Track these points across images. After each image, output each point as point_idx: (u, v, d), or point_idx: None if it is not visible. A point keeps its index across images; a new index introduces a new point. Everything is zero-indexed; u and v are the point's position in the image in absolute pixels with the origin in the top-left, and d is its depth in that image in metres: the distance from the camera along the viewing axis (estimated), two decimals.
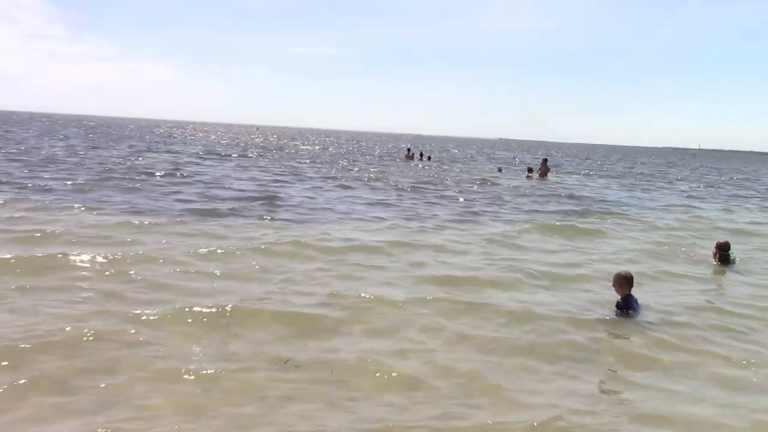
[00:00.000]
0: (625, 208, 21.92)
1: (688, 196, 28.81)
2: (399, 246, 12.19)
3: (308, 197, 19.52)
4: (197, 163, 31.78)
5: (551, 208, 20.31)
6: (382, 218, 15.96)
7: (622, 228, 16.81)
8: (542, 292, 9.51)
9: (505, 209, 19.34)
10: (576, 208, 20.43)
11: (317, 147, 66.90)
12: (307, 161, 39.44)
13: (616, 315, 8.20)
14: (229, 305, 7.68)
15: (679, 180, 43.06)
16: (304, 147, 65.09)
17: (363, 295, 8.57)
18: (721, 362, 6.99)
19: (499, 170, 39.55)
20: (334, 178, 27.33)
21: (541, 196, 24.24)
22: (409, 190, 23.80)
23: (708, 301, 9.51)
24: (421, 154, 48.25)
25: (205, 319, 7.30)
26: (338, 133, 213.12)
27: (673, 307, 8.86)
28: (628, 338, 7.55)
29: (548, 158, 39.88)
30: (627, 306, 8.20)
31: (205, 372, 5.87)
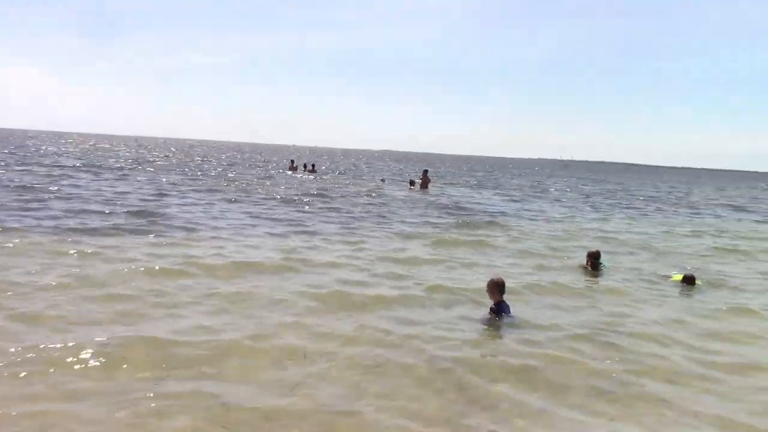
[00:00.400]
0: (507, 218, 22.61)
1: (566, 206, 30.18)
2: (286, 263, 11.88)
3: (192, 212, 18.82)
4: (71, 176, 29.94)
5: (434, 219, 20.65)
6: (268, 233, 15.58)
7: (507, 238, 17.35)
8: (428, 306, 9.56)
9: (388, 221, 19.51)
10: (460, 219, 20.85)
11: (203, 159, 65.07)
12: (194, 174, 38.25)
13: (489, 318, 8.69)
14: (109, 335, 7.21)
15: (555, 190, 45.10)
16: (189, 159, 63.16)
17: (249, 323, 8.19)
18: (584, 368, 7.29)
19: (383, 181, 40.14)
20: (219, 191, 26.65)
21: (425, 207, 24.63)
22: (293, 202, 23.53)
23: (580, 306, 10.13)
24: (305, 165, 48.14)
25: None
26: (227, 145, 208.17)
27: (547, 314, 9.33)
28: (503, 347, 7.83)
29: (429, 169, 40.77)
30: (499, 311, 8.65)
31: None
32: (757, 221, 28.59)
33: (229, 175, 39.34)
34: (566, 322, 8.96)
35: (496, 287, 8.77)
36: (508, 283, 9.20)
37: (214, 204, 21.48)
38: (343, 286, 10.31)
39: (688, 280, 12.09)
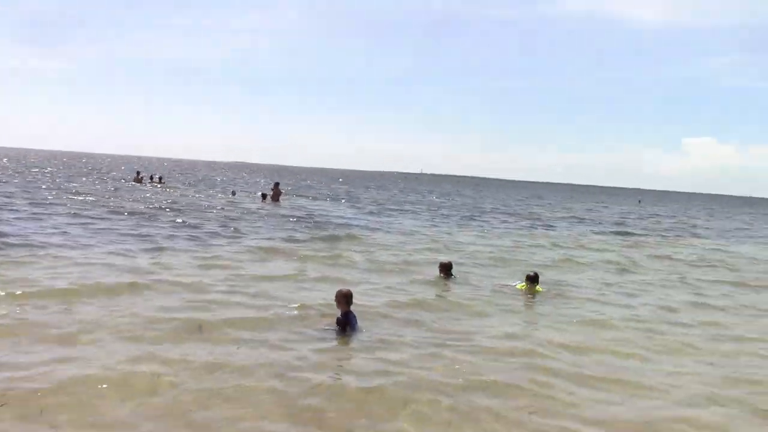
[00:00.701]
0: (362, 231, 22.56)
1: (420, 219, 30.62)
2: (132, 283, 10.90)
3: (30, 227, 17.05)
4: None
5: (287, 233, 20.16)
6: (112, 251, 14.21)
7: (362, 251, 17.05)
8: (281, 325, 9.18)
9: (241, 235, 18.81)
10: (314, 233, 20.50)
11: (40, 170, 60.18)
12: (30, 185, 35.10)
13: (336, 330, 8.75)
14: None
15: (409, 203, 45.85)
16: (25, 169, 58.22)
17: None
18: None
19: (233, 194, 39.07)
20: (60, 204, 24.47)
21: (278, 220, 24.10)
22: (141, 215, 22.16)
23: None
24: (151, 177, 46.10)
25: None
26: (69, 155, 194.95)
27: (399, 329, 9.30)
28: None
29: (280, 182, 40.09)
30: (346, 321, 8.76)
31: None
32: (594, 231, 30.38)
33: (70, 186, 36.67)
34: (417, 337, 8.95)
35: (344, 298, 8.85)
36: (361, 298, 9.02)
37: (54, 218, 19.70)
38: (194, 309, 9.57)
39: (532, 279, 12.56)
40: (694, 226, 41.92)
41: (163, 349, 7.55)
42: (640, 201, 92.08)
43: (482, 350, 8.51)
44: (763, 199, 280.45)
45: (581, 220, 38.72)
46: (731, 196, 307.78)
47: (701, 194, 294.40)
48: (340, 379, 7.09)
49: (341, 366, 7.60)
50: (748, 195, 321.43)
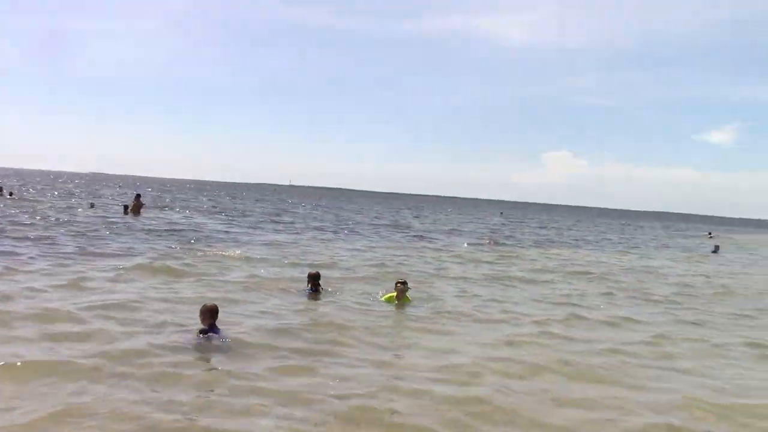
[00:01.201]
0: (231, 243, 21.86)
1: (287, 231, 30.02)
2: None
3: None
4: None
5: (147, 246, 19.07)
6: None
7: (231, 264, 16.52)
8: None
9: (97, 248, 17.61)
10: (173, 246, 19.55)
11: None
12: None
13: (199, 341, 8.57)
14: None
15: (277, 215, 44.99)
16: None
17: None
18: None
19: (92, 206, 36.80)
20: None
21: (138, 233, 22.85)
22: None
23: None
24: (1, 189, 42.79)
25: None
26: None
27: (264, 341, 9.03)
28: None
29: (141, 194, 38.08)
30: (209, 332, 8.68)
31: None
32: (470, 243, 30.98)
33: None
34: (283, 345, 8.84)
35: (209, 312, 8.78)
36: (224, 311, 8.87)
37: None
38: (52, 347, 8.22)
39: (403, 284, 12.48)
40: (560, 235, 43.99)
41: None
42: (501, 213, 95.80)
43: (345, 357, 8.41)
44: (614, 210, 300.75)
45: (458, 233, 39.47)
46: (587, 207, 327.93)
47: (560, 205, 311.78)
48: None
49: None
50: (603, 206, 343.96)
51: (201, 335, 8.60)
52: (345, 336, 9.73)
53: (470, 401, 7.07)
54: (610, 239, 44.45)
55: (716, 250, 37.14)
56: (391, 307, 12.24)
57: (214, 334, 8.63)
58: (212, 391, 6.89)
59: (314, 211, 55.10)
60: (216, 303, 9.11)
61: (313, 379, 7.53)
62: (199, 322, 8.76)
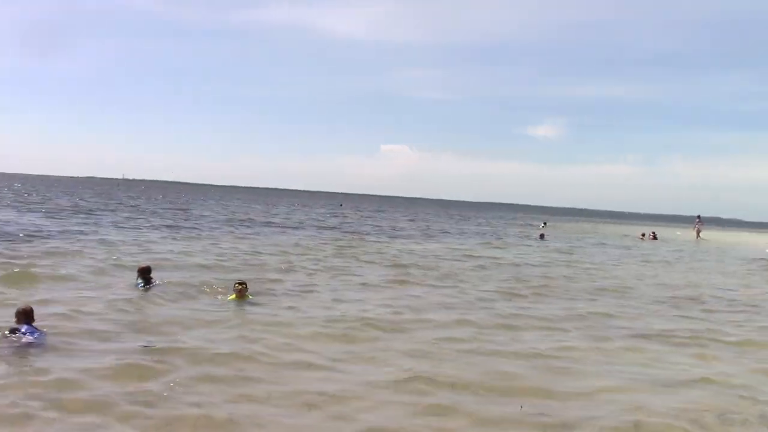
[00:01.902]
0: (59, 242, 20.63)
1: (120, 227, 28.84)
2: None
3: None
4: None
5: None
6: None
7: (54, 263, 15.57)
8: None
9: None
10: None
11: None
12: None
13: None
14: None
15: (111, 210, 42.84)
16: None
17: None
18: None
19: None
20: None
21: None
22: None
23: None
24: None
25: None
26: None
27: (85, 342, 8.88)
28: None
29: None
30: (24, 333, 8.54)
31: None
32: (309, 235, 31.32)
33: None
34: (107, 348, 8.67)
35: (23, 315, 8.71)
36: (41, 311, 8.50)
37: None
38: None
39: (241, 284, 12.45)
40: (394, 228, 45.46)
41: None
42: (341, 205, 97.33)
43: (193, 354, 8.35)
44: (450, 200, 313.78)
45: (299, 224, 39.64)
46: (425, 198, 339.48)
47: (399, 197, 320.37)
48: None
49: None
50: (438, 198, 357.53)
51: (10, 334, 8.48)
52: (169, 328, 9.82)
53: None
54: (448, 232, 46.54)
55: (542, 237, 40.20)
56: (231, 305, 12.14)
57: (27, 335, 8.45)
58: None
59: (142, 203, 53.10)
60: (31, 304, 9.07)
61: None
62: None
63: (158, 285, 12.97)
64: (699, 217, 55.68)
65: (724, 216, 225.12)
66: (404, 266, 19.62)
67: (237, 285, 12.51)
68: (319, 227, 38.15)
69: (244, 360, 8.30)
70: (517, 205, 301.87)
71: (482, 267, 20.91)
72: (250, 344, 9.11)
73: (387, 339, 10.02)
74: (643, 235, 48.66)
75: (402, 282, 16.31)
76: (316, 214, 57.17)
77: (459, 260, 22.81)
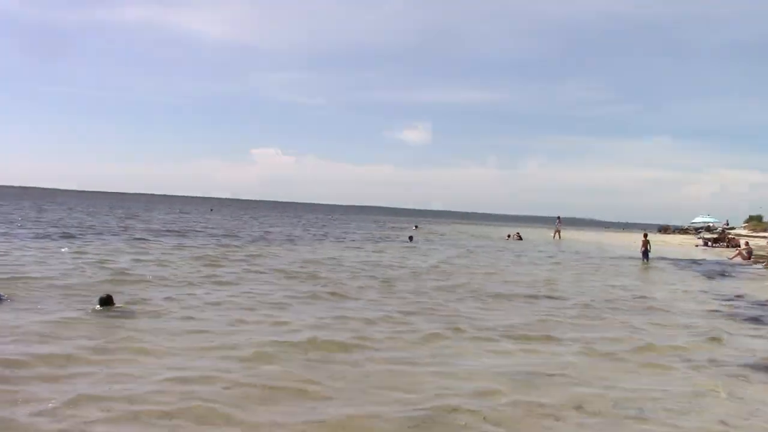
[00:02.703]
0: None
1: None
2: None
3: None
4: None
5: None
6: None
7: None
8: None
9: None
10: None
11: None
12: None
13: None
14: None
15: None
16: None
17: None
18: None
19: None
20: None
21: None
22: None
23: None
24: None
25: None
26: None
27: None
28: None
29: None
30: None
31: None
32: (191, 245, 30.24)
33: None
34: None
35: None
36: None
37: None
38: None
39: (106, 301, 11.82)
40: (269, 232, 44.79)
41: None
42: (212, 210, 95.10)
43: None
44: (324, 204, 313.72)
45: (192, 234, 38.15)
46: (296, 202, 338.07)
47: (270, 201, 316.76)
48: None
49: None
50: (313, 201, 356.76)
51: None
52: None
53: None
54: (313, 233, 46.47)
55: (411, 239, 41.08)
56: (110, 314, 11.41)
57: None
58: None
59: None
60: None
61: None
62: None
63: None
64: (559, 218, 59.04)
65: (579, 216, 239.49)
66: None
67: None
68: (183, 234, 36.92)
69: None
70: (390, 208, 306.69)
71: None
72: None
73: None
74: (509, 235, 51.23)
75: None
76: (187, 219, 55.31)
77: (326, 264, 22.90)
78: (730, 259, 35.62)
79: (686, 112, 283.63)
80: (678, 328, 12.65)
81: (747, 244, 39.66)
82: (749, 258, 35.14)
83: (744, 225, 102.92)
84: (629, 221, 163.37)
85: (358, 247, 32.80)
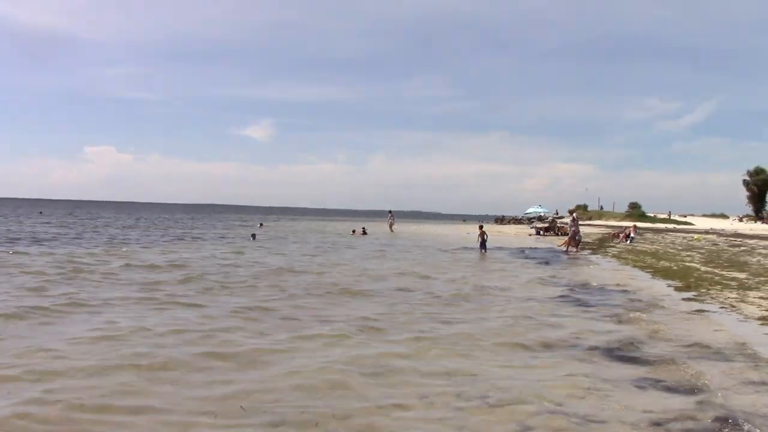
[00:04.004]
0: None
1: None
2: None
3: None
4: None
5: None
6: None
7: None
8: None
9: None
10: None
11: None
12: None
13: None
14: None
15: None
16: None
17: None
18: None
19: None
20: None
21: None
22: None
23: None
24: None
25: None
26: None
27: None
28: None
29: None
30: None
31: None
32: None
33: None
34: None
35: None
36: None
37: None
38: None
39: None
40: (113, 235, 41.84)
41: None
42: (41, 212, 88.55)
43: None
44: (166, 204, 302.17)
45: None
46: (135, 202, 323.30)
47: (109, 201, 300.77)
48: None
49: None
50: (154, 201, 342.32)
51: None
52: None
53: None
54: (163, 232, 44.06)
55: (253, 237, 39.99)
56: None
57: None
58: None
59: None
60: None
61: None
62: None
63: None
64: (390, 212, 61.46)
65: (424, 210, 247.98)
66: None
67: None
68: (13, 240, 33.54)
69: None
70: (239, 206, 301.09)
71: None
72: None
73: None
74: (354, 231, 51.59)
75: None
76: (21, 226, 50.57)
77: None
78: (559, 246, 37.66)
79: (522, 108, 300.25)
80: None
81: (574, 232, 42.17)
82: (577, 245, 37.33)
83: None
84: (470, 213, 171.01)
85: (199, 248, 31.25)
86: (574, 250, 33.89)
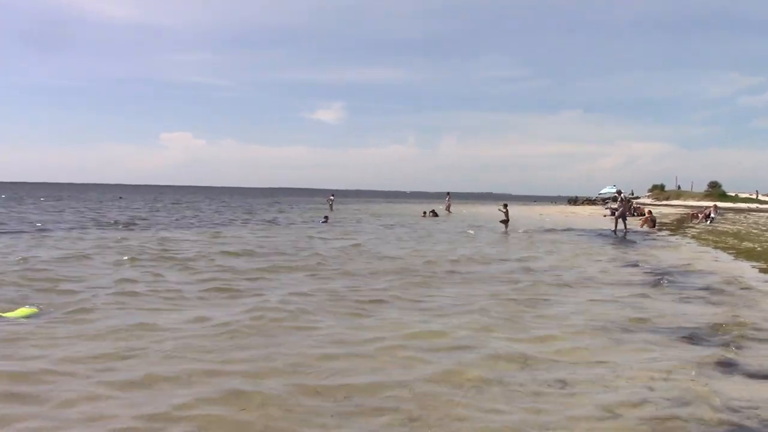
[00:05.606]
0: None
1: None
2: None
3: None
4: None
5: None
6: None
7: None
8: None
9: None
10: None
11: None
12: None
13: None
14: None
15: None
16: None
17: None
18: None
19: None
20: None
21: None
22: None
23: None
24: None
25: None
26: None
27: None
28: None
29: None
30: None
31: None
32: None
33: None
34: None
35: None
36: None
37: None
38: None
39: None
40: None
41: None
42: (121, 197, 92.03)
43: None
44: (229, 187, 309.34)
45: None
46: (205, 186, 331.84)
47: (186, 186, 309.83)
48: None
49: None
50: (219, 185, 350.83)
51: None
52: None
53: None
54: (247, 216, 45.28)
55: (326, 220, 40.65)
56: None
57: None
58: None
59: None
60: None
61: None
62: None
63: None
64: (449, 193, 62.28)
65: (495, 191, 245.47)
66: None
67: None
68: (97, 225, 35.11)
69: None
70: (310, 189, 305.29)
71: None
72: None
73: None
74: (425, 213, 51.57)
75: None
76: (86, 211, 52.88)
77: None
78: (641, 227, 36.83)
79: (596, 86, 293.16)
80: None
81: (650, 212, 41.18)
82: (653, 226, 36.44)
83: (648, 194, 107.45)
84: (542, 194, 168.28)
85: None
86: (651, 230, 33.07)
